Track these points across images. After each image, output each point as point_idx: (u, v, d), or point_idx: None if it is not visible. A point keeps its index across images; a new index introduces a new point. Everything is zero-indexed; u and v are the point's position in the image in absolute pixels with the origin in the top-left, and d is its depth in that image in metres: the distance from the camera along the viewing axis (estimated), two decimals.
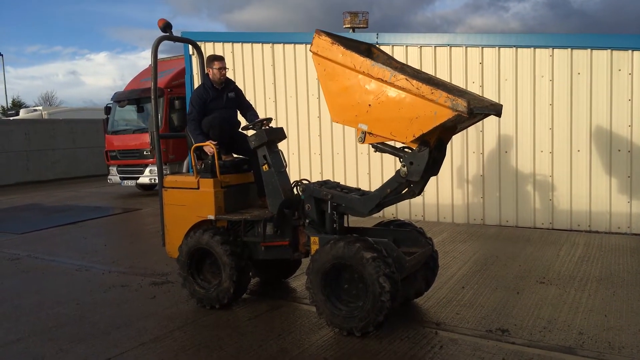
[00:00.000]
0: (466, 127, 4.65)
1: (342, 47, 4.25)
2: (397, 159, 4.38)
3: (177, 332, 4.59)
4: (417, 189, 4.46)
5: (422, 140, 4.08)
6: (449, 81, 6.18)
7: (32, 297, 5.79)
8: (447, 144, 4.46)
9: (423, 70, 6.37)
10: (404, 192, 4.50)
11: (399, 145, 4.40)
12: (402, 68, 4.71)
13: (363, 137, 4.34)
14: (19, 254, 7.93)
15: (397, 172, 4.33)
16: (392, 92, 4.02)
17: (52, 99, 56.16)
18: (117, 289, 5.93)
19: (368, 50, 4.85)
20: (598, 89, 7.73)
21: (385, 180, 4.64)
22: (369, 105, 4.16)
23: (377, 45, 4.96)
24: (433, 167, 4.36)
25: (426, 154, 4.12)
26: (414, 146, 4.17)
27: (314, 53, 4.42)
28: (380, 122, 4.16)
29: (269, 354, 4.06)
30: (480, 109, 4.12)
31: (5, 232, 9.78)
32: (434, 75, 6.19)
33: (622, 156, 7.65)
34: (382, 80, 4.04)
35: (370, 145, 4.53)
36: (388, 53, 4.95)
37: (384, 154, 9.10)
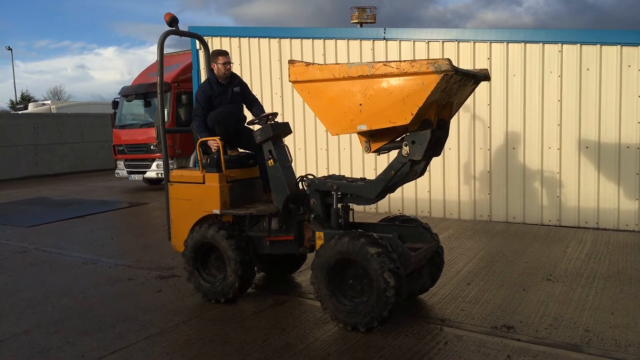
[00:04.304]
0: (462, 101, 4.57)
1: (317, 65, 4.47)
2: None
3: (182, 325, 4.61)
4: (420, 168, 4.44)
5: (422, 120, 4.07)
6: None
7: (39, 289, 5.83)
8: (449, 122, 4.46)
9: None
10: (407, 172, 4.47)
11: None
12: None
13: (368, 147, 4.42)
14: (27, 246, 7.99)
15: (399, 152, 4.31)
16: (377, 83, 4.05)
17: (60, 93, 56.39)
18: (124, 283, 5.96)
19: None
20: (607, 85, 7.66)
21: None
22: (360, 104, 4.17)
23: None
24: (435, 146, 4.35)
25: (428, 132, 4.11)
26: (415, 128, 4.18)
27: (294, 82, 4.53)
28: (377, 115, 4.15)
29: (273, 349, 4.06)
30: (465, 70, 4.11)
31: (13, 225, 9.86)
32: None
33: (631, 153, 7.58)
34: (363, 76, 4.07)
35: (375, 152, 4.55)
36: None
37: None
